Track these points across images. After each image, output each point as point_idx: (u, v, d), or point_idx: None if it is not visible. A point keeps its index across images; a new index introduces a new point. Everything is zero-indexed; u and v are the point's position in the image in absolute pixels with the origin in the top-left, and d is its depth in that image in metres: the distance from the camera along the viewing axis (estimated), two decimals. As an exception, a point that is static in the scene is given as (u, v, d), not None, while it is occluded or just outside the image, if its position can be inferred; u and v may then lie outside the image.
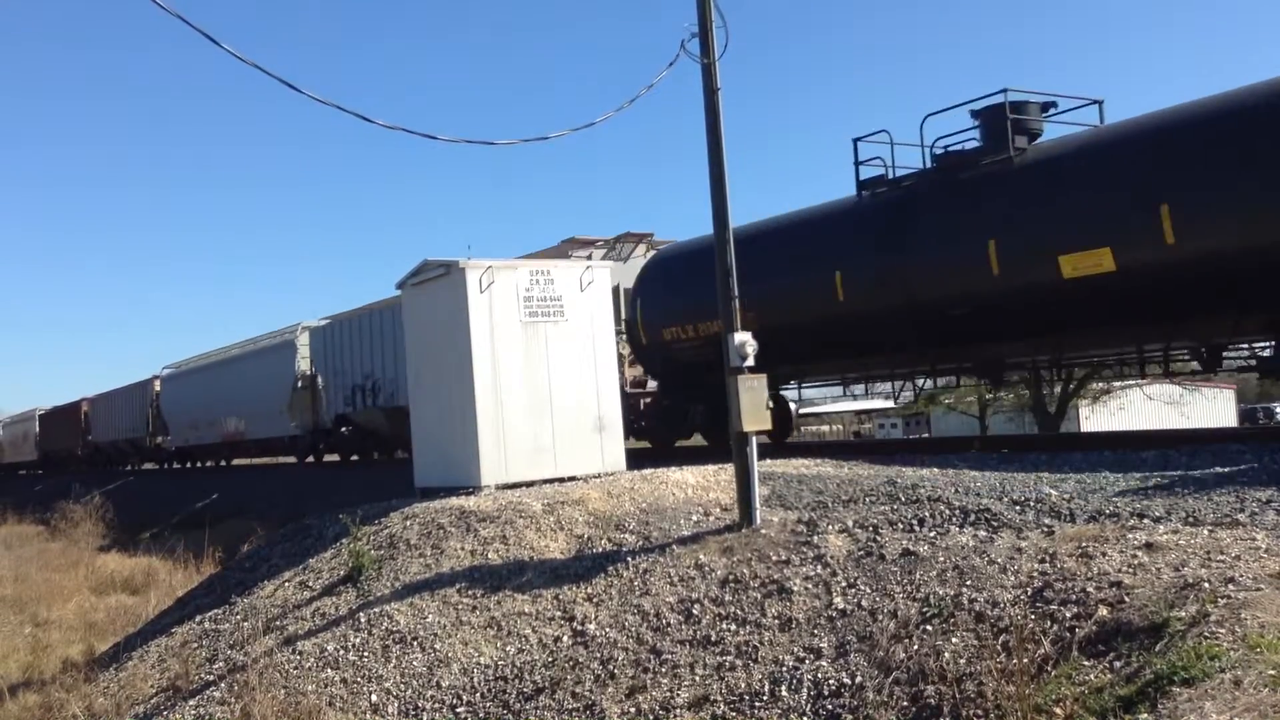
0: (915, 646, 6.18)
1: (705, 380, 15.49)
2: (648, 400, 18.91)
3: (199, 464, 41.63)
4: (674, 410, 17.88)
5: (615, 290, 17.67)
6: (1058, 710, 5.05)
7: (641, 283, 18.00)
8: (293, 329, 30.57)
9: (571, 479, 12.01)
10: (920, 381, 15.10)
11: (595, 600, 8.26)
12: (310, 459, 30.23)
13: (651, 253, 19.73)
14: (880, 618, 6.64)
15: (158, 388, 41.60)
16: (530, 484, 11.80)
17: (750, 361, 8.97)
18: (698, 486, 10.64)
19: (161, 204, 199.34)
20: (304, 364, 28.36)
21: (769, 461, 11.13)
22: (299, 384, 28.54)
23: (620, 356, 17.78)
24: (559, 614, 8.26)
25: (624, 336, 18.29)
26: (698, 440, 19.15)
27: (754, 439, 8.95)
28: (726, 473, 10.54)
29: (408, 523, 10.77)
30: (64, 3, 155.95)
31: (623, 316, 18.35)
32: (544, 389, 12.28)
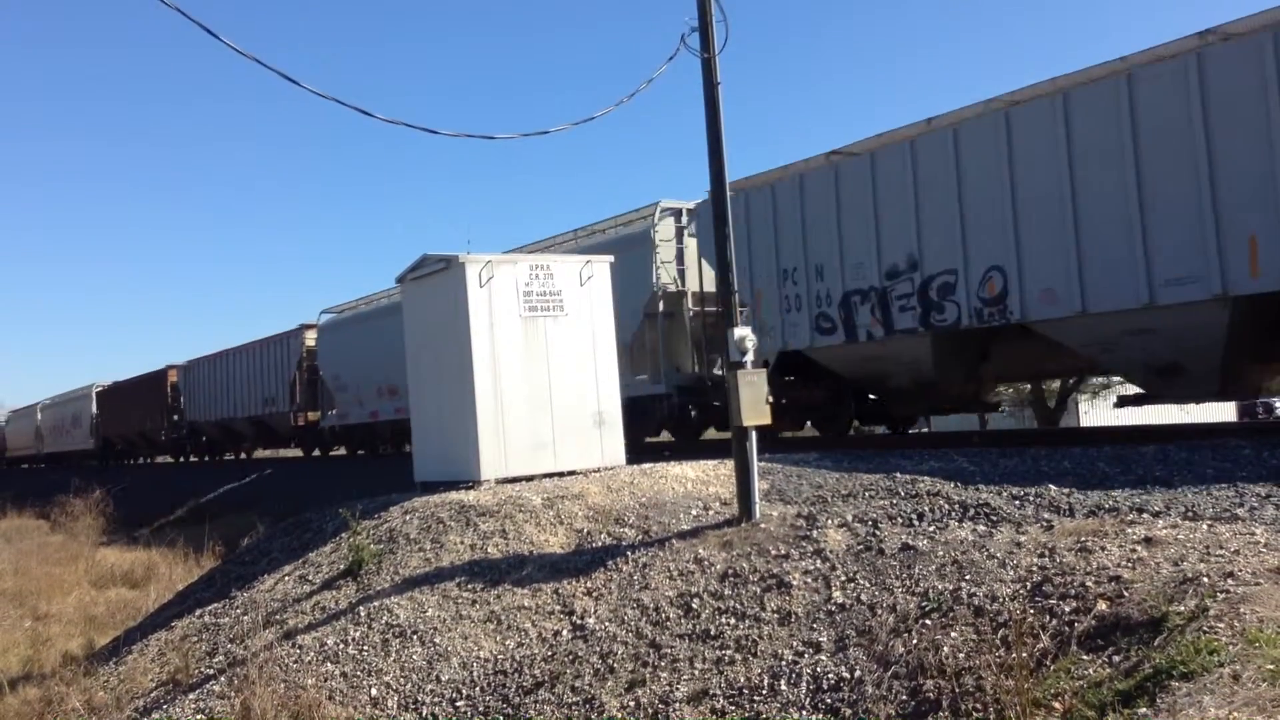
0: (914, 641, 6.18)
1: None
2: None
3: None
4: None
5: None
6: (1056, 704, 5.06)
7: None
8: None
9: (571, 473, 12.02)
10: None
11: (595, 594, 8.27)
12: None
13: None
14: (879, 612, 6.65)
15: (310, 340, 29.23)
16: (530, 478, 11.81)
17: (750, 356, 8.98)
18: (697, 481, 10.65)
19: (161, 198, 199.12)
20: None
21: (768, 456, 11.14)
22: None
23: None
24: (558, 608, 8.27)
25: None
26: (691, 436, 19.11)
27: (753, 433, 8.96)
28: (726, 467, 10.55)
29: (407, 517, 10.77)
30: (64, 8, 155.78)
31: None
32: (543, 383, 12.28)
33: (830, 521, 8.21)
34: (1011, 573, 6.51)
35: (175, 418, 39.22)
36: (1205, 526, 6.58)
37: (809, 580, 7.35)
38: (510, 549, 9.46)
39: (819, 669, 6.37)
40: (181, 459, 42.16)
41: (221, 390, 34.79)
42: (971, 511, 7.78)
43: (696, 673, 6.86)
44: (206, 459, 40.05)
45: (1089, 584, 5.99)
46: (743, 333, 8.97)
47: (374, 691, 8.03)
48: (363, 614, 9.07)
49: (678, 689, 6.77)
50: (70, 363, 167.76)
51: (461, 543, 9.79)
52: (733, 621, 7.23)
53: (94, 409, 46.46)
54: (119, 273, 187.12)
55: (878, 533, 7.73)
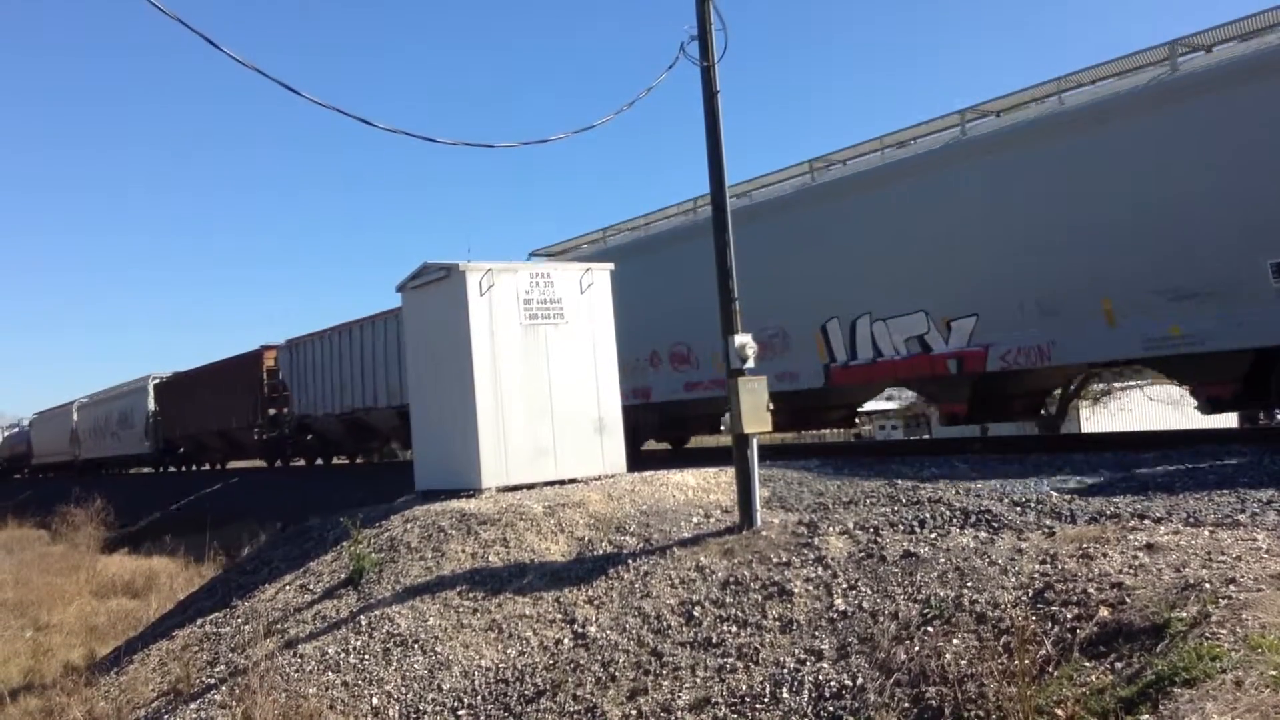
0: (916, 648, 6.17)
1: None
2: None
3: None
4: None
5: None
6: (1059, 711, 5.05)
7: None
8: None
9: (572, 481, 12.01)
10: None
11: (596, 603, 8.26)
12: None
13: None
14: (881, 619, 6.64)
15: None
16: (531, 486, 11.80)
17: (750, 363, 8.98)
18: (698, 488, 10.64)
19: (159, 208, 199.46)
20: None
21: (769, 463, 11.13)
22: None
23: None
24: (560, 616, 8.26)
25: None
26: (698, 443, 18.97)
27: (754, 441, 8.95)
28: (727, 475, 10.54)
29: (408, 525, 10.76)
30: (64, 11, 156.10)
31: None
32: (544, 391, 12.28)
33: (832, 529, 8.20)
34: (1013, 579, 6.50)
35: (273, 412, 30.80)
36: (1207, 532, 6.57)
37: (811, 588, 7.34)
38: (511, 557, 9.45)
39: (821, 677, 6.35)
40: (279, 463, 33.17)
41: (350, 374, 25.72)
42: (973, 518, 7.77)
43: (698, 681, 6.85)
44: (319, 462, 31.64)
45: (1091, 590, 5.99)
46: (743, 340, 8.96)
47: (375, 701, 8.02)
48: (364, 623, 9.05)
49: (679, 697, 6.75)
50: (53, 373, 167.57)
51: (463, 551, 9.78)
52: (734, 629, 7.22)
53: (151, 405, 39.21)
54: (114, 277, 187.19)
55: (879, 540, 7.72)
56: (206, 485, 32.03)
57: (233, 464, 37.99)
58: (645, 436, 19.26)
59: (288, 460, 32.76)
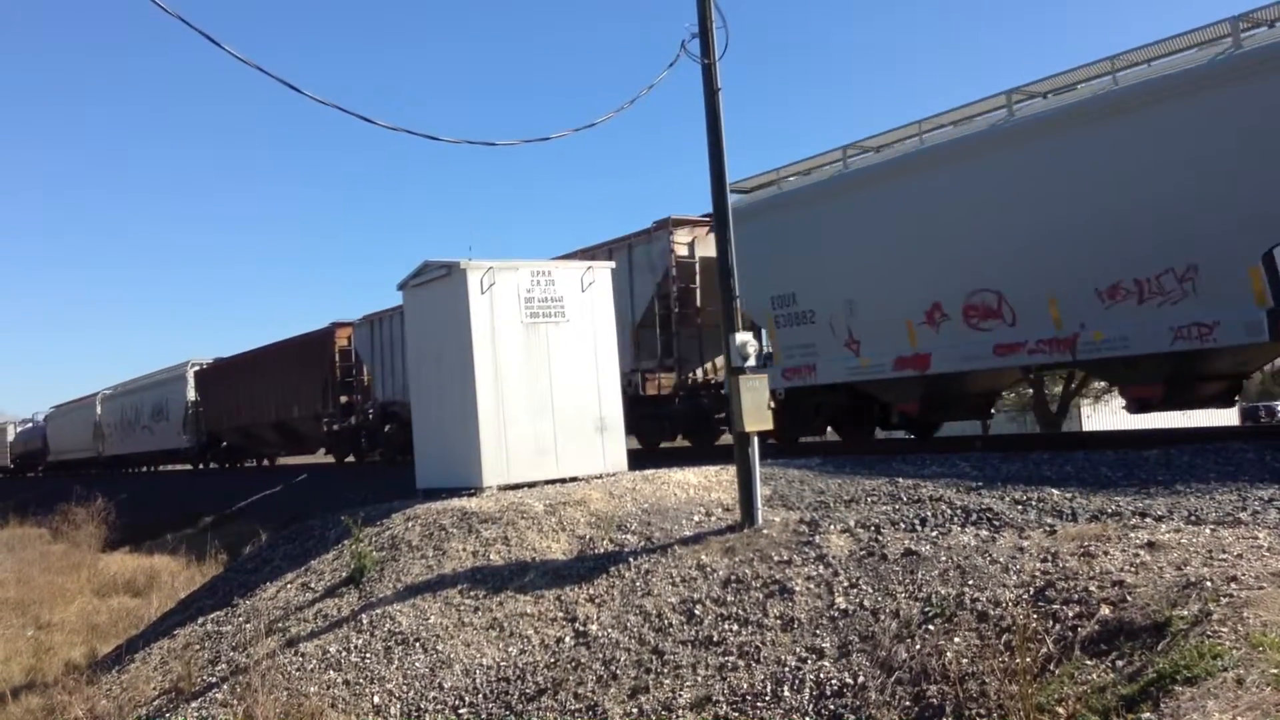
0: (917, 646, 6.17)
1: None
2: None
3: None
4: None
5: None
6: (1060, 710, 5.05)
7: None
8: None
9: (573, 479, 12.02)
10: None
11: (597, 601, 8.26)
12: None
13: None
14: (882, 618, 6.64)
15: (681, 247, 17.86)
16: (532, 485, 11.80)
17: (752, 361, 8.98)
18: (699, 487, 10.64)
19: (161, 206, 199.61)
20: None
21: (770, 462, 11.13)
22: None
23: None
24: (561, 615, 8.26)
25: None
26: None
27: (755, 439, 8.95)
28: (728, 473, 10.54)
29: (409, 524, 10.77)
30: (66, 10, 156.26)
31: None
32: (545, 390, 12.28)
33: (833, 527, 8.20)
34: (1014, 578, 6.50)
35: (345, 399, 27.07)
36: (1208, 531, 6.57)
37: (812, 586, 7.34)
38: (513, 556, 9.45)
39: (822, 675, 6.36)
40: (351, 457, 28.70)
41: None
42: (974, 516, 7.77)
43: (699, 679, 6.85)
44: (399, 459, 24.12)
45: (1092, 589, 5.98)
46: (744, 338, 8.96)
47: (377, 699, 8.02)
48: (365, 621, 9.06)
49: (681, 695, 6.76)
50: (70, 371, 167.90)
51: (464, 549, 9.78)
52: (735, 628, 7.22)
53: (190, 394, 35.40)
54: (118, 275, 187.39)
55: (880, 538, 7.72)
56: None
57: (286, 460, 34.57)
58: (902, 419, 15.33)
59: (361, 454, 27.81)
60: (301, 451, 32.26)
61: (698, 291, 18.03)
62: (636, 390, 17.91)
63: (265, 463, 36.60)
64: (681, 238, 18.04)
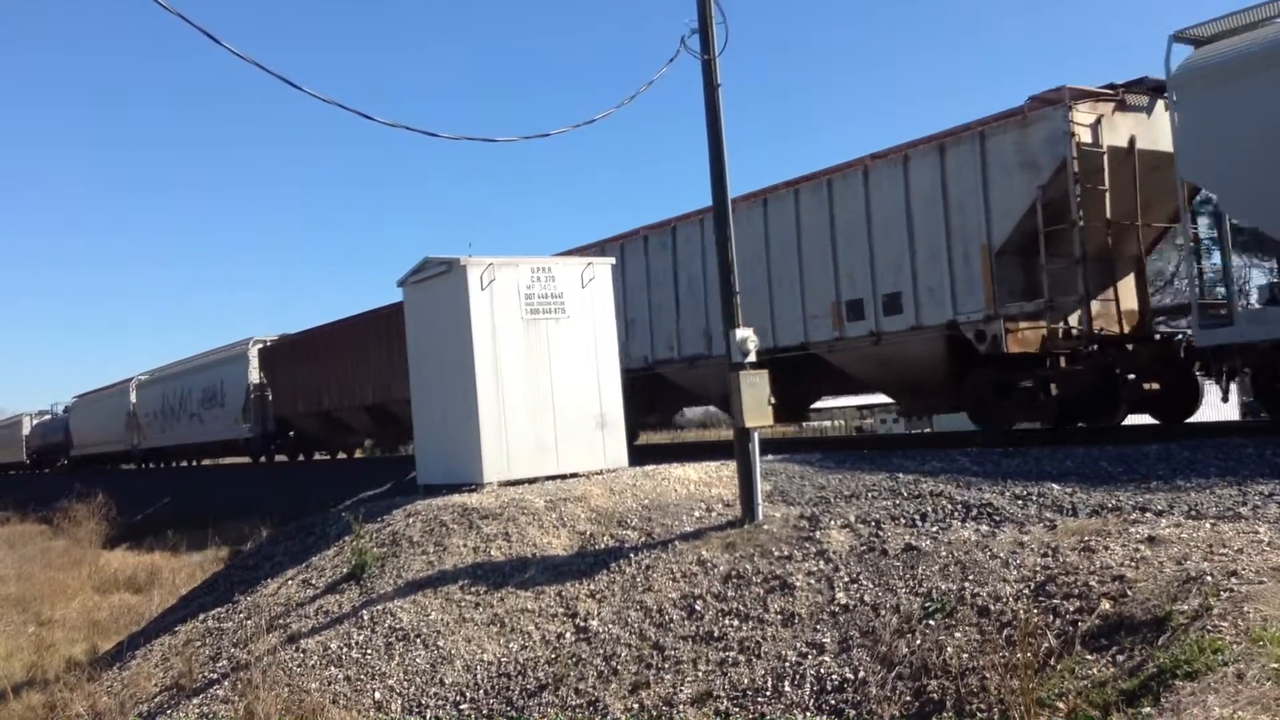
0: (918, 641, 6.18)
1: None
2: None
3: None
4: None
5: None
6: (1060, 704, 5.05)
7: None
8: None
9: (574, 475, 12.02)
10: None
11: (598, 597, 8.27)
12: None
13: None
14: (883, 613, 6.64)
15: None
16: (532, 481, 11.81)
17: (752, 357, 8.98)
18: (700, 482, 10.65)
19: (159, 205, 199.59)
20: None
21: (770, 457, 11.13)
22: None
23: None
24: (562, 610, 8.27)
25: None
26: (692, 436, 18.98)
27: (756, 434, 8.96)
28: (728, 469, 10.55)
29: (410, 520, 10.78)
30: (63, 7, 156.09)
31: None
32: (546, 386, 12.28)
33: (833, 522, 8.21)
34: (1015, 573, 6.50)
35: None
36: (1208, 525, 6.57)
37: (812, 581, 7.35)
38: (513, 552, 9.46)
39: (823, 670, 6.36)
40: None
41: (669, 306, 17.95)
42: (974, 511, 7.77)
43: (700, 674, 6.86)
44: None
45: (1092, 583, 5.99)
46: (744, 334, 8.97)
47: (377, 695, 8.03)
48: (366, 617, 9.07)
49: (681, 691, 6.76)
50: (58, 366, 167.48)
51: (464, 545, 9.79)
52: (736, 623, 7.22)
53: (254, 376, 30.16)
54: (111, 273, 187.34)
55: (881, 533, 7.73)
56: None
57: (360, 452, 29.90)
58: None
59: None
60: (401, 440, 27.27)
61: (1106, 196, 12.23)
62: (996, 344, 12.53)
63: (341, 455, 32.08)
64: (1082, 116, 12.18)
